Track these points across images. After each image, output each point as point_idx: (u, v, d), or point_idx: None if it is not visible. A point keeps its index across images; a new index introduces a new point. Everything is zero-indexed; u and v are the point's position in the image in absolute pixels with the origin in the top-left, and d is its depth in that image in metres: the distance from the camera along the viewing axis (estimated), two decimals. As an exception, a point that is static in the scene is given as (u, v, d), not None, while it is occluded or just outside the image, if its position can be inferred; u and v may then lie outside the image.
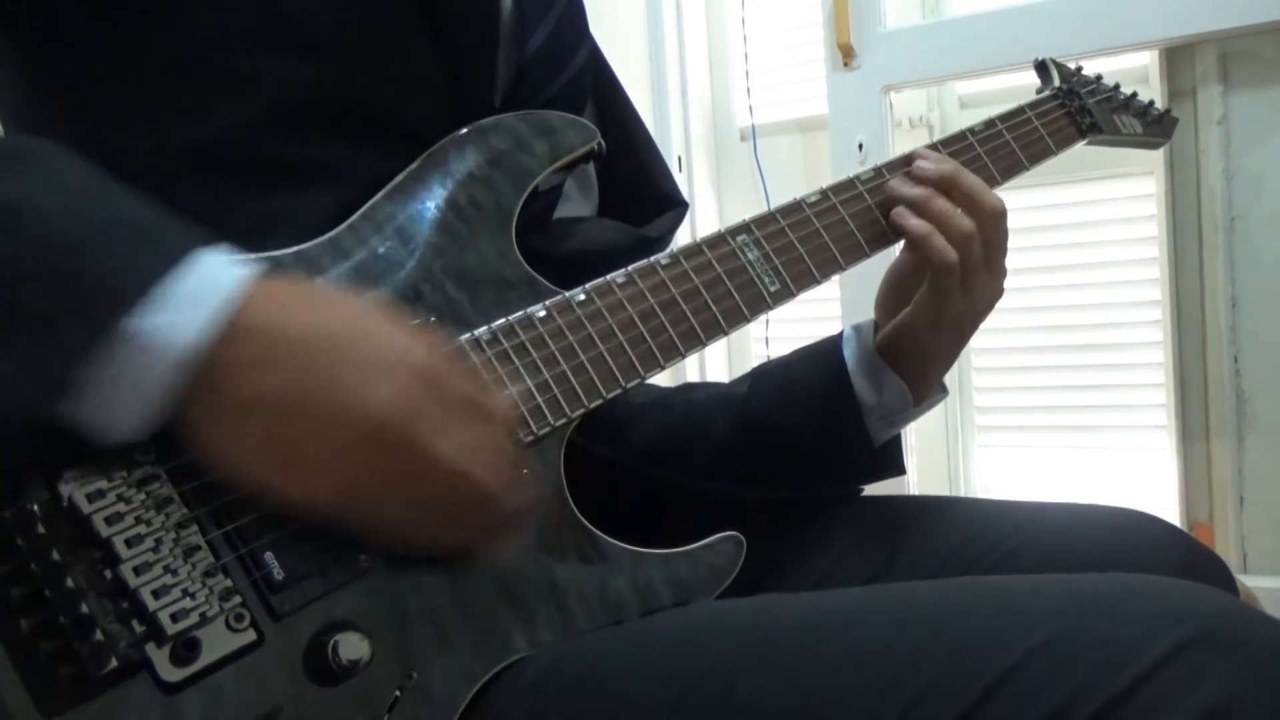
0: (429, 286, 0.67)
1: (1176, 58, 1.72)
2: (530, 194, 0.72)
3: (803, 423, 0.84)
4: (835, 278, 0.80)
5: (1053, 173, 1.79)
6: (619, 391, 0.68)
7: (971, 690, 0.48)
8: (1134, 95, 1.04)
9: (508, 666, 0.61)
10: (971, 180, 0.80)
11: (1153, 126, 1.06)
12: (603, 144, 0.76)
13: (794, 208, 0.79)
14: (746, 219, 0.77)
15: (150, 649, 0.53)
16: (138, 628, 0.53)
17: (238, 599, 0.55)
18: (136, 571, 0.53)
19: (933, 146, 0.85)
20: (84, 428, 0.52)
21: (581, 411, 0.67)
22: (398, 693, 0.57)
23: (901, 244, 0.81)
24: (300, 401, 0.54)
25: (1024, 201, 1.84)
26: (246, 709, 0.54)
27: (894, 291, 0.84)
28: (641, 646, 0.60)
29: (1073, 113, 0.95)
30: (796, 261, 0.77)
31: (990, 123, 0.89)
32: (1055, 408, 1.94)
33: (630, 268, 0.71)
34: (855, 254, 0.80)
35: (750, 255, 0.75)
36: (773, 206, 0.78)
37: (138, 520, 0.54)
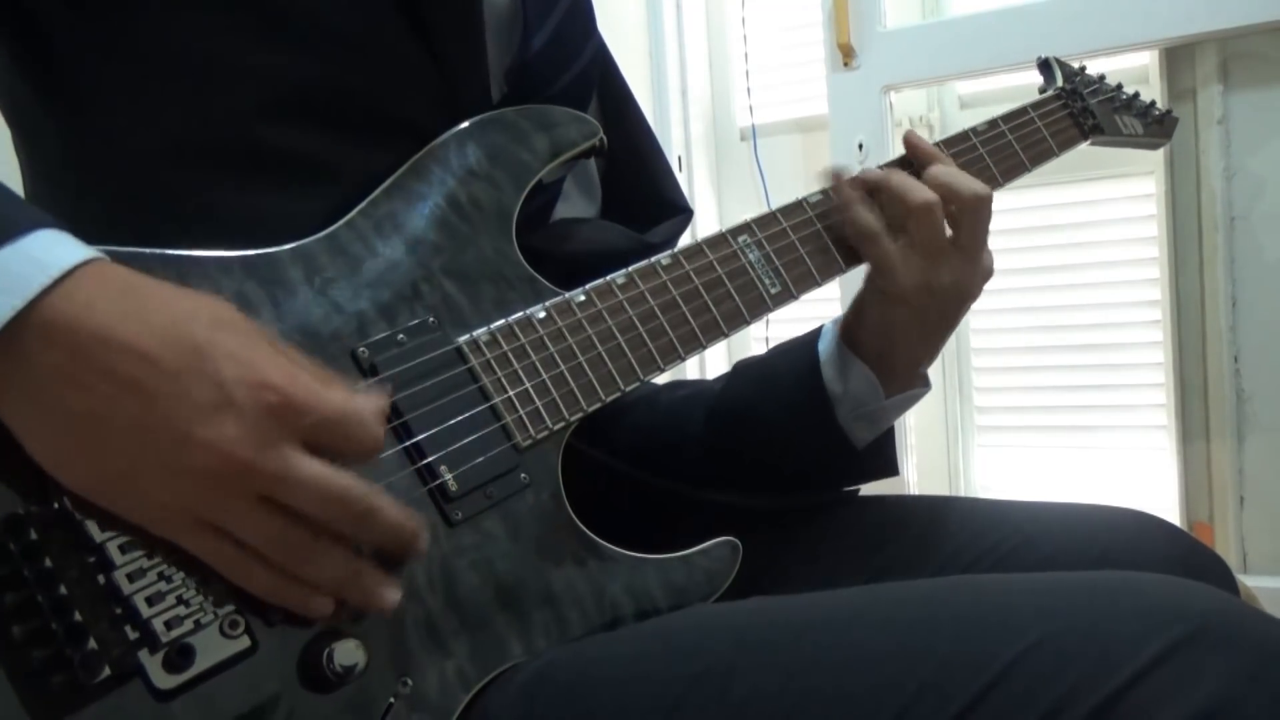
0: (428, 285, 0.66)
1: (1176, 58, 1.72)
2: (531, 189, 0.72)
3: (773, 414, 0.83)
4: (836, 280, 0.80)
5: (1053, 173, 1.78)
6: (617, 395, 0.68)
7: (968, 690, 0.48)
8: (1136, 95, 1.04)
9: (502, 672, 0.61)
10: (945, 169, 0.79)
11: (1153, 127, 1.06)
12: (604, 139, 0.75)
13: (795, 207, 0.78)
14: (748, 219, 0.76)
15: (144, 656, 0.52)
16: (131, 634, 0.52)
17: (232, 605, 0.55)
18: (130, 578, 0.53)
19: (935, 146, 0.85)
20: None
21: (580, 415, 0.67)
22: (392, 699, 0.57)
23: None
24: (100, 420, 0.50)
25: (1024, 201, 1.84)
26: (241, 716, 0.54)
27: None
28: (636, 650, 0.60)
29: (1075, 113, 0.95)
30: (798, 263, 0.77)
31: (993, 123, 0.88)
32: (1055, 408, 1.94)
33: (631, 268, 0.71)
34: (857, 256, 0.79)
35: (751, 256, 0.75)
36: (773, 206, 0.78)
37: (123, 528, 0.53)
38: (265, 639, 0.55)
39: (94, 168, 0.68)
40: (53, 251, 0.50)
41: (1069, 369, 1.90)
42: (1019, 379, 1.97)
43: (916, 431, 1.91)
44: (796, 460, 0.84)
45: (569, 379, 0.67)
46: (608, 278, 0.70)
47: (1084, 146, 0.97)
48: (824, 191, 0.80)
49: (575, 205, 0.84)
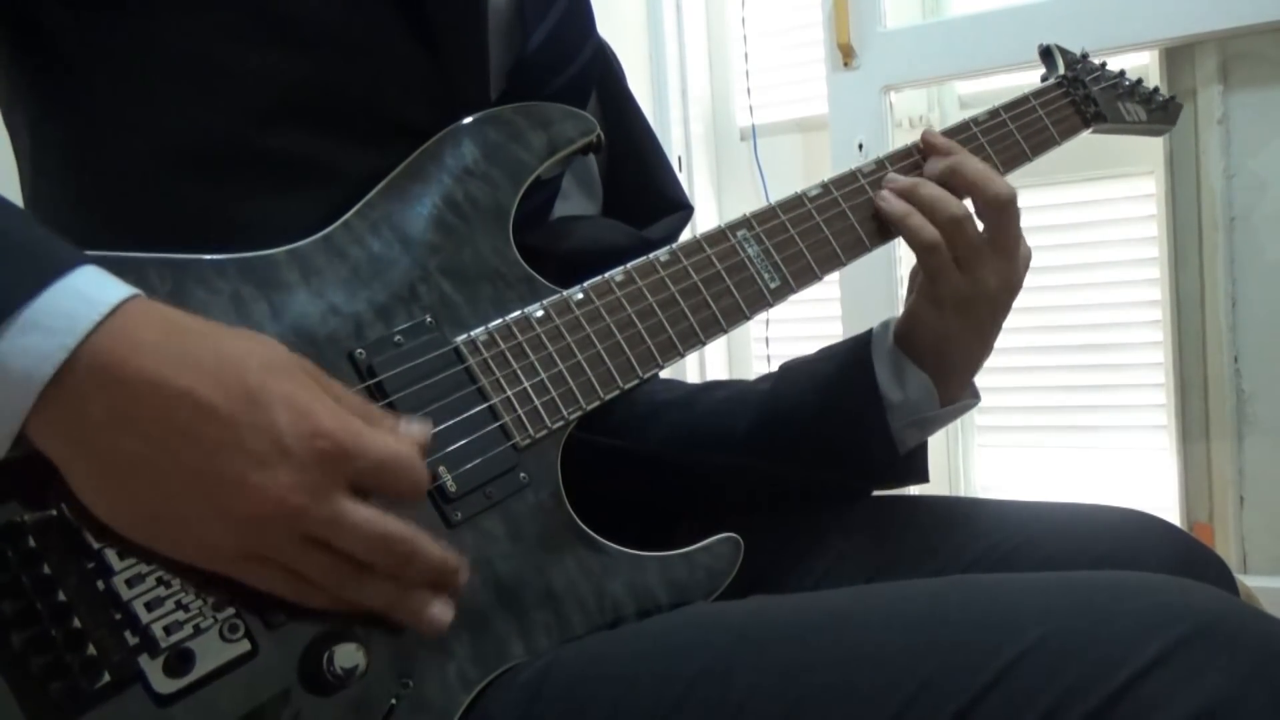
0: (425, 285, 0.66)
1: (1176, 58, 1.72)
2: (528, 186, 0.71)
3: (826, 417, 0.83)
4: (836, 275, 0.79)
5: (1054, 172, 1.80)
6: (616, 392, 0.68)
7: (967, 689, 0.48)
8: (1139, 82, 1.03)
9: (503, 672, 0.60)
10: (974, 167, 0.79)
11: (1157, 113, 1.05)
12: (601, 135, 0.75)
13: (795, 202, 0.78)
14: (747, 213, 0.76)
15: (144, 661, 0.52)
16: (131, 640, 0.52)
17: (231, 610, 0.55)
18: (129, 583, 0.53)
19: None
20: None
21: (579, 413, 0.66)
22: (393, 701, 0.57)
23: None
24: (153, 466, 0.50)
25: (1024, 201, 1.81)
26: None
27: (911, 287, 0.84)
28: (637, 649, 0.60)
29: (1077, 101, 0.94)
30: (797, 257, 0.76)
31: (994, 112, 0.88)
32: (1055, 408, 1.94)
33: (629, 265, 0.71)
34: (856, 249, 0.79)
35: (750, 251, 0.75)
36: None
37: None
38: (265, 642, 0.55)
39: (93, 171, 0.68)
40: (99, 289, 0.50)
41: (1069, 369, 1.90)
42: (1019, 379, 1.97)
43: (917, 431, 1.91)
44: (840, 463, 0.84)
45: (567, 378, 0.66)
46: (606, 275, 0.70)
47: (1086, 145, 0.96)
48: (823, 185, 0.79)
49: (575, 204, 0.84)
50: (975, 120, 0.87)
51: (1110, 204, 1.85)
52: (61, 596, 0.51)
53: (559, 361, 0.66)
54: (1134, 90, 1.02)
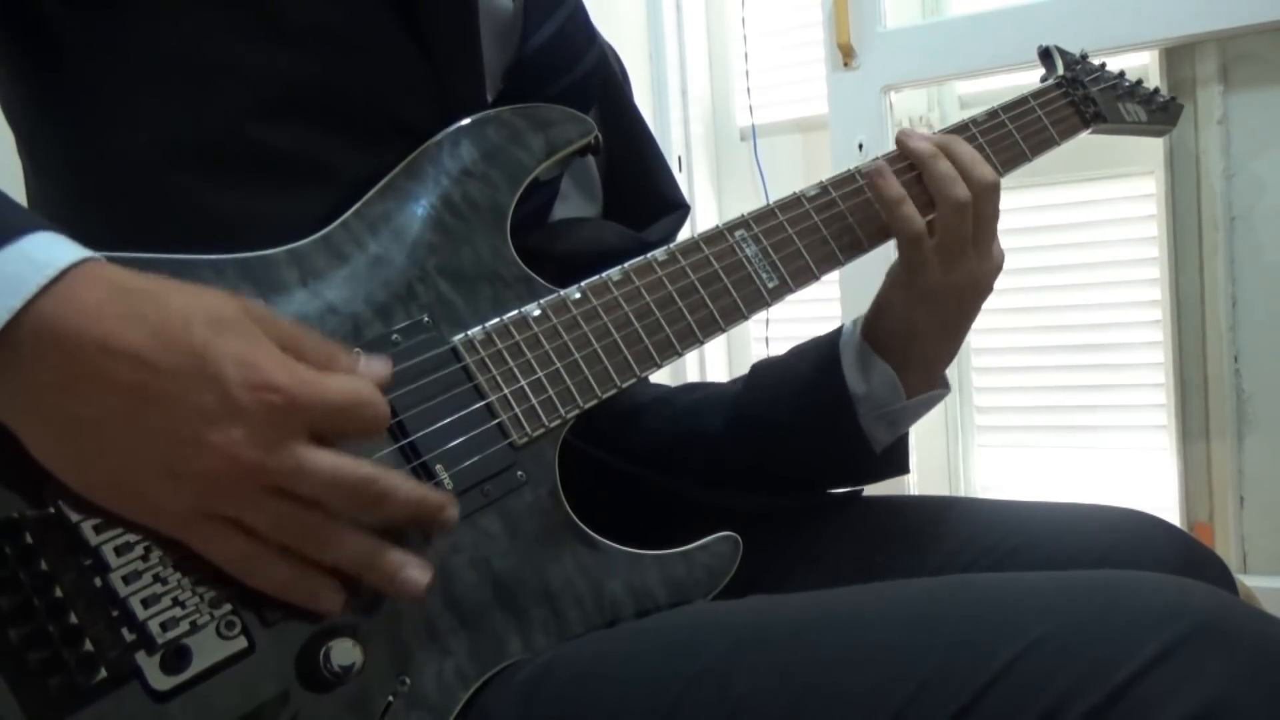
0: (423, 285, 0.66)
1: (1176, 57, 1.72)
2: (527, 188, 0.72)
3: (795, 415, 0.83)
4: (835, 275, 0.79)
5: (1053, 172, 1.80)
6: (614, 391, 0.68)
7: (967, 688, 0.48)
8: (1139, 83, 1.04)
9: (501, 670, 0.60)
10: (964, 150, 0.79)
11: (1157, 114, 1.05)
12: (599, 137, 0.75)
13: (793, 202, 0.78)
14: (744, 214, 0.76)
15: (140, 657, 0.52)
16: (128, 636, 0.52)
17: (228, 606, 0.55)
18: (126, 580, 0.53)
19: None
20: None
21: (576, 412, 0.67)
22: (390, 698, 0.57)
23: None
24: (100, 426, 0.50)
25: (1024, 201, 1.84)
26: (238, 717, 0.54)
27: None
28: (636, 648, 0.60)
29: (1077, 101, 0.94)
30: (795, 257, 0.76)
31: (993, 112, 0.88)
32: (1055, 408, 1.94)
33: (626, 265, 0.71)
34: (854, 249, 0.79)
35: (748, 251, 0.75)
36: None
37: (127, 527, 0.53)
38: (262, 639, 0.55)
39: (93, 170, 0.68)
40: (49, 252, 0.50)
41: (1069, 369, 1.90)
42: (1019, 379, 1.97)
43: (916, 431, 1.90)
44: (815, 460, 0.84)
45: (564, 376, 0.66)
46: (603, 275, 0.70)
47: (1086, 143, 0.96)
48: (821, 186, 0.79)
49: (575, 206, 0.84)
50: (974, 121, 0.87)
51: (1110, 204, 1.85)
52: (58, 593, 0.51)
53: (556, 360, 0.66)
54: (1134, 91, 1.02)
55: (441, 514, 0.57)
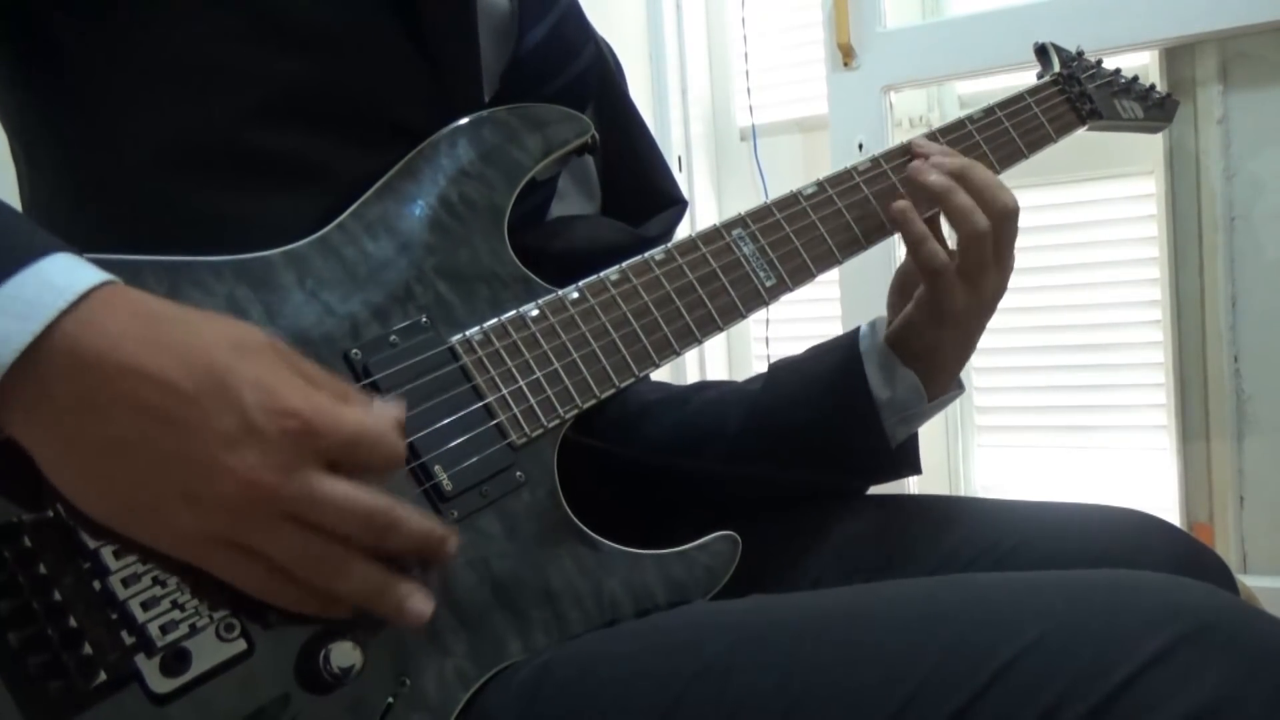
0: (421, 286, 0.66)
1: (1176, 57, 1.72)
2: (524, 187, 0.72)
3: (817, 417, 0.83)
4: (834, 274, 0.79)
5: (1053, 172, 1.79)
6: (612, 391, 0.68)
7: (966, 688, 0.48)
8: (1135, 79, 1.04)
9: (501, 670, 0.60)
10: (982, 176, 0.79)
11: (1154, 110, 1.05)
12: (596, 136, 0.75)
13: (790, 200, 0.78)
14: (742, 212, 0.76)
15: (140, 660, 0.52)
16: (127, 639, 0.52)
17: (227, 609, 0.55)
18: (125, 583, 0.53)
19: (931, 135, 0.84)
20: None
21: (575, 412, 0.66)
22: (391, 699, 0.57)
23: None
24: (121, 449, 0.49)
25: (1023, 201, 1.81)
26: (239, 719, 0.54)
27: (901, 292, 0.84)
28: (635, 647, 0.60)
29: (1073, 99, 0.94)
30: (792, 255, 0.76)
31: (989, 110, 0.88)
32: (1055, 408, 1.94)
33: (624, 264, 0.71)
34: (852, 247, 0.79)
35: (745, 249, 0.75)
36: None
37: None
38: (261, 641, 0.55)
39: (90, 173, 0.68)
40: (69, 275, 0.50)
41: (1069, 369, 1.90)
42: (1019, 379, 1.97)
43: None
44: (834, 462, 0.84)
45: (563, 376, 0.66)
46: (601, 274, 0.70)
47: (1087, 140, 0.96)
48: (818, 184, 0.79)
49: (573, 204, 0.84)
50: (971, 118, 0.87)
51: (1110, 204, 1.84)
52: (58, 596, 0.51)
53: (554, 360, 0.66)
54: (1130, 87, 1.02)
55: (443, 548, 0.57)
